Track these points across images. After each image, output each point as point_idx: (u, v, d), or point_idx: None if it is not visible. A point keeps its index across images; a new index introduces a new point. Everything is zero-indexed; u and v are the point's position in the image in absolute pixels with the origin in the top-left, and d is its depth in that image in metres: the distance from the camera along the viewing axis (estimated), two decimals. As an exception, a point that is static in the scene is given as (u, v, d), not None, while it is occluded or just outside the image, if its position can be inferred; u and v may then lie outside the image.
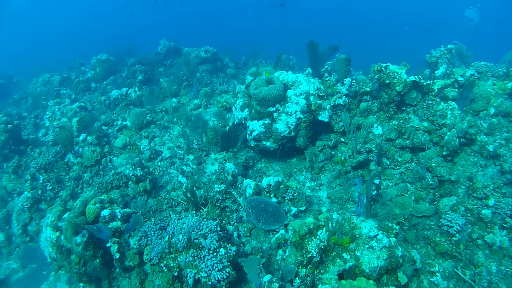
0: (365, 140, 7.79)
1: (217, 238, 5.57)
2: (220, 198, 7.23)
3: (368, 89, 8.17)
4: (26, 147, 10.07)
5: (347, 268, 4.79)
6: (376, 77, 7.92)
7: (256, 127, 7.80)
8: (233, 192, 7.22)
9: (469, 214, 6.58)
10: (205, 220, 5.97)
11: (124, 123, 10.41)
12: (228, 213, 7.12)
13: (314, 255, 4.99)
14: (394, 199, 7.02)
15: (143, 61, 13.70)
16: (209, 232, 5.65)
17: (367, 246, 4.96)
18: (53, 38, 33.75)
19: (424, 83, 7.71)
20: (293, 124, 7.59)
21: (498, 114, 7.89)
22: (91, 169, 9.02)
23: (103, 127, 10.14)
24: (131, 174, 7.92)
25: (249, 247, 6.30)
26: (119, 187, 8.01)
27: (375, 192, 7.11)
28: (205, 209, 6.98)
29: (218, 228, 5.84)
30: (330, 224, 5.06)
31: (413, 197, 7.05)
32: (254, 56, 15.91)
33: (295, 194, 7.16)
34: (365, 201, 6.69)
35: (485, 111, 7.91)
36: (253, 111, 7.92)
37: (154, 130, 10.07)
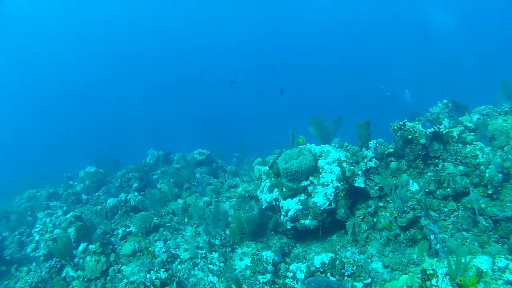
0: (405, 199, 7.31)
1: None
2: (270, 289, 6.23)
3: (391, 150, 8.04)
4: (9, 267, 8.58)
5: (488, 316, 3.91)
6: (398, 134, 7.85)
7: (291, 205, 7.13)
8: (287, 280, 6.22)
9: (552, 245, 6.05)
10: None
11: (127, 230, 9.41)
12: (284, 306, 6.07)
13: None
14: (459, 248, 6.38)
15: (134, 170, 13.13)
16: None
17: (501, 281, 4.13)
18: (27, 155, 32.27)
19: (444, 132, 7.68)
20: (332, 194, 7.03)
21: (521, 145, 7.88)
22: (96, 283, 7.71)
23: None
24: (153, 278, 6.75)
25: None
26: (137, 297, 6.78)
27: (438, 246, 6.43)
28: (258, 306, 5.90)
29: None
30: (448, 267, 4.28)
31: (476, 243, 6.50)
32: (247, 154, 15.82)
33: (354, 268, 6.32)
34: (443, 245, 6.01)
35: (508, 145, 7.89)
36: (284, 189, 7.33)
37: (164, 233, 9.10)
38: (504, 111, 8.96)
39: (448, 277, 4.35)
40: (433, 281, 4.30)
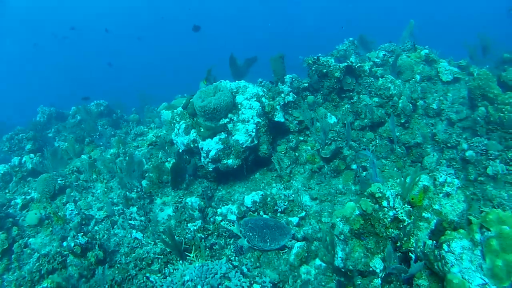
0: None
1: (240, 275, 4.38)
2: (203, 236, 5.94)
3: (306, 84, 8.00)
4: None
5: (433, 227, 4.16)
6: (313, 68, 7.80)
7: (212, 145, 6.74)
8: (223, 223, 5.92)
9: (454, 163, 6.85)
10: (208, 262, 4.71)
11: (28, 197, 8.19)
12: (220, 250, 5.84)
13: (409, 220, 4.24)
14: (381, 174, 6.77)
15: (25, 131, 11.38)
16: (228, 270, 4.42)
17: (441, 194, 4.41)
18: None
19: (356, 66, 7.89)
20: (254, 130, 6.79)
21: (423, 79, 8.55)
22: (-3, 265, 6.63)
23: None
24: (72, 245, 6.01)
25: (275, 275, 5.15)
26: (55, 270, 5.99)
27: (364, 174, 6.73)
28: (192, 254, 5.58)
29: (231, 265, 4.64)
30: (399, 187, 4.52)
31: (395, 169, 7.02)
32: (147, 103, 14.86)
33: (286, 204, 6.30)
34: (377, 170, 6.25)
35: (413, 79, 8.42)
36: (202, 130, 6.88)
37: (72, 194, 8.13)
38: (408, 48, 9.43)
39: (399, 197, 4.48)
40: (384, 203, 4.37)
